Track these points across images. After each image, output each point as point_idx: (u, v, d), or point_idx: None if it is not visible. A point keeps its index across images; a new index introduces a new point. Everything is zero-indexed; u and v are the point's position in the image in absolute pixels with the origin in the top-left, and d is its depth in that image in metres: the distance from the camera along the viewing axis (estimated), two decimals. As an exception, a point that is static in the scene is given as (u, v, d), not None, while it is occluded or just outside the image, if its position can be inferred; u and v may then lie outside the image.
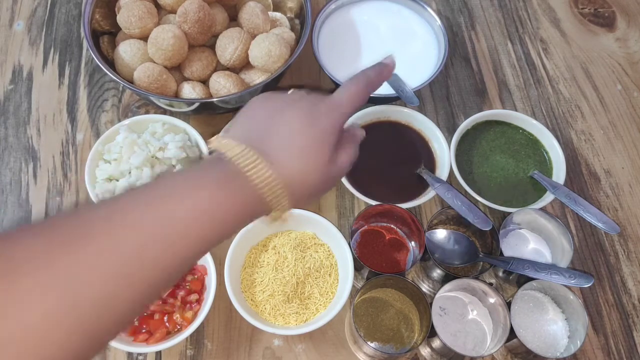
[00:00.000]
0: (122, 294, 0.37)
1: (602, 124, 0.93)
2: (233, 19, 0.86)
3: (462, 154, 0.84)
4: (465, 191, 0.79)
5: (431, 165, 0.84)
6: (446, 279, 0.71)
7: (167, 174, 0.44)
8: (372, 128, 0.87)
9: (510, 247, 0.77)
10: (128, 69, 0.79)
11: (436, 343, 0.67)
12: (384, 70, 0.56)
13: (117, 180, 0.76)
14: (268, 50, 0.77)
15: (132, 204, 0.39)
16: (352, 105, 0.51)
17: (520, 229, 0.78)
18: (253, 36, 0.80)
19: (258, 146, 0.43)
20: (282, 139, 0.45)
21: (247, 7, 0.82)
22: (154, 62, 0.78)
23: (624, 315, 0.77)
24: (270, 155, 0.43)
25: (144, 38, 0.79)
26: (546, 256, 0.76)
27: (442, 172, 0.81)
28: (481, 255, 0.73)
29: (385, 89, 0.84)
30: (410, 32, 0.92)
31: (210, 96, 0.79)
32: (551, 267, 0.70)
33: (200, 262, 0.73)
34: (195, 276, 0.73)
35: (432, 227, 0.76)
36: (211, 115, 0.88)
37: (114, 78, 0.76)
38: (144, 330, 0.69)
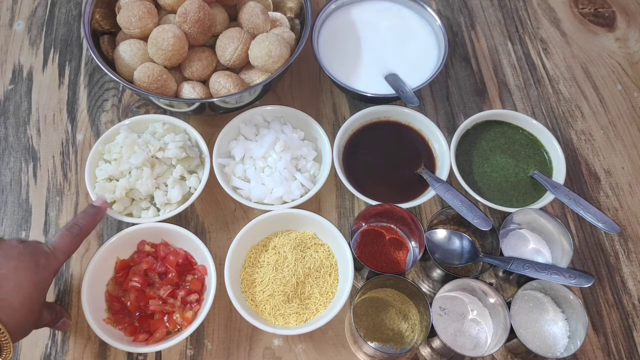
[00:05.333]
0: None
1: (602, 124, 0.93)
2: (233, 19, 0.86)
3: (462, 154, 0.84)
4: (465, 191, 0.79)
5: (431, 165, 0.84)
6: (446, 279, 0.71)
7: None
8: (372, 128, 0.87)
9: (510, 247, 0.77)
10: (128, 69, 0.79)
11: (436, 343, 0.67)
12: (97, 213, 0.66)
13: (117, 180, 0.76)
14: (268, 50, 0.77)
15: None
16: (66, 254, 0.61)
17: (520, 229, 0.78)
18: (253, 36, 0.80)
19: None
20: (7, 289, 0.52)
21: (247, 7, 0.82)
22: (154, 62, 0.78)
23: (624, 315, 0.77)
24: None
25: (144, 38, 0.79)
26: (546, 256, 0.76)
27: (442, 172, 0.81)
28: (481, 255, 0.73)
29: (385, 89, 0.85)
30: (410, 32, 0.92)
31: (210, 96, 0.79)
32: (551, 267, 0.70)
33: (200, 262, 0.73)
34: (196, 276, 0.73)
35: (432, 227, 0.76)
36: (211, 115, 0.88)
37: (114, 78, 0.76)
38: (144, 331, 0.69)
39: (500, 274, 0.75)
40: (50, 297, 0.75)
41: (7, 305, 0.52)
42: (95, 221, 0.67)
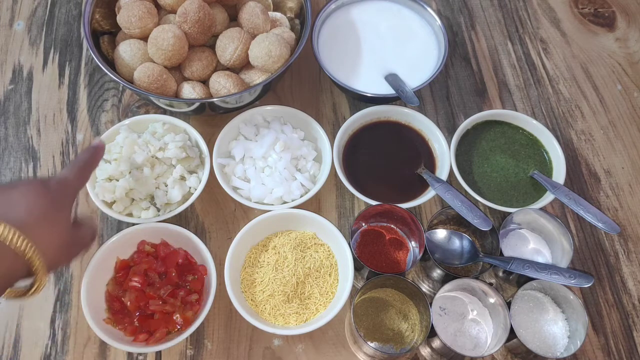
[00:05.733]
0: None
1: (602, 124, 0.93)
2: (233, 19, 0.86)
3: (462, 154, 0.84)
4: (465, 191, 0.79)
5: (431, 165, 0.84)
6: (446, 279, 0.71)
7: None
8: (372, 128, 0.87)
9: (510, 247, 0.77)
10: (128, 69, 0.79)
11: (436, 343, 0.67)
12: (96, 152, 0.65)
13: (117, 180, 0.76)
14: (268, 50, 0.77)
15: None
16: (78, 179, 0.60)
17: (520, 229, 0.78)
18: (253, 36, 0.80)
19: (0, 216, 0.49)
20: (21, 207, 0.51)
21: (247, 7, 0.82)
22: (154, 62, 0.78)
23: (624, 315, 0.77)
24: (15, 222, 0.49)
25: (144, 38, 0.79)
26: (546, 256, 0.76)
27: (442, 172, 0.81)
28: (481, 255, 0.73)
29: (385, 89, 0.85)
30: (410, 32, 0.92)
31: (210, 96, 0.79)
32: (551, 267, 0.70)
33: (200, 262, 0.73)
34: (195, 276, 0.73)
35: (432, 227, 0.76)
36: (211, 115, 0.88)
37: (114, 78, 0.76)
38: (144, 330, 0.69)
39: (500, 274, 0.75)
40: (51, 296, 0.75)
41: (27, 224, 0.50)
42: (96, 157, 0.65)
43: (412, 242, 0.76)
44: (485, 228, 0.72)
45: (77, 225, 0.58)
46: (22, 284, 0.52)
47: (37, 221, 0.51)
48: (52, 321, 0.73)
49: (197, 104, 0.78)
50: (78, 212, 0.81)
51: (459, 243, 0.76)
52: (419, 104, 0.81)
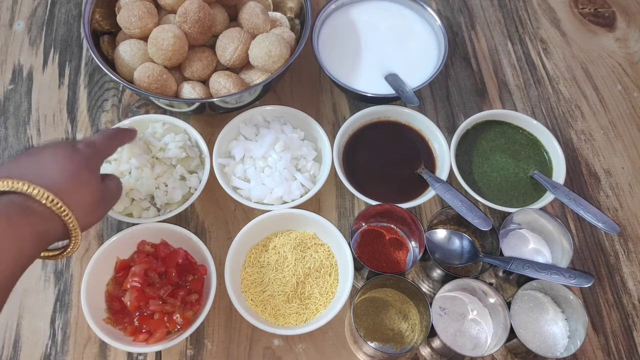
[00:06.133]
0: None
1: (602, 124, 0.93)
2: (233, 19, 0.86)
3: (462, 154, 0.84)
4: (465, 191, 0.79)
5: (431, 165, 0.84)
6: (446, 279, 0.71)
7: None
8: (372, 128, 0.87)
9: (510, 247, 0.77)
10: (128, 69, 0.79)
11: (436, 343, 0.67)
12: (128, 133, 0.69)
13: (117, 180, 0.76)
14: (268, 50, 0.77)
15: None
16: (106, 145, 0.63)
17: (520, 229, 0.78)
18: (253, 36, 0.80)
19: (32, 178, 0.51)
20: (52, 169, 0.53)
21: (247, 7, 0.82)
22: (154, 62, 0.78)
23: (624, 315, 0.77)
24: (47, 184, 0.51)
25: (144, 38, 0.79)
26: (546, 256, 0.76)
27: (442, 172, 0.81)
28: (481, 255, 0.73)
29: (385, 89, 0.85)
30: (410, 32, 0.92)
31: (210, 96, 0.79)
32: (551, 267, 0.70)
33: (200, 262, 0.73)
34: (195, 276, 0.73)
35: (432, 227, 0.76)
36: (211, 115, 0.88)
37: (114, 78, 0.76)
38: (144, 330, 0.69)
39: (500, 274, 0.75)
40: (51, 296, 0.75)
41: (53, 182, 0.52)
42: (128, 135, 0.69)
43: (412, 242, 0.76)
44: (485, 228, 0.72)
45: (103, 180, 0.60)
46: (57, 244, 0.54)
47: (69, 182, 0.53)
48: (52, 321, 0.73)
49: (197, 104, 0.78)
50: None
51: (459, 243, 0.76)
52: (419, 104, 0.81)
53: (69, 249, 0.55)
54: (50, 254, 0.56)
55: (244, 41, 0.79)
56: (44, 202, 0.50)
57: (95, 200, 0.57)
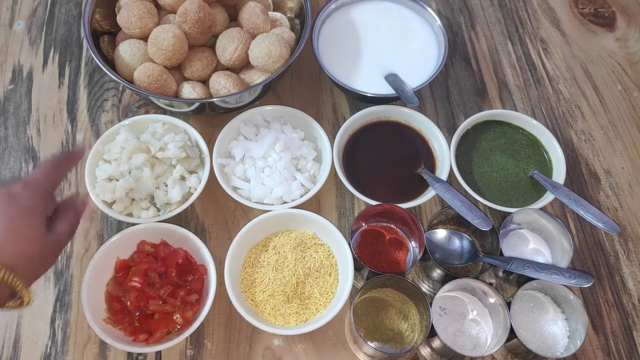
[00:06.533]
0: None
1: (602, 124, 0.93)
2: (233, 19, 0.86)
3: (462, 154, 0.84)
4: (465, 191, 0.79)
5: (431, 165, 0.84)
6: (446, 279, 0.71)
7: None
8: (372, 128, 0.87)
9: (510, 247, 0.77)
10: (128, 69, 0.79)
11: (436, 343, 0.67)
12: (73, 156, 0.61)
13: (117, 180, 0.76)
14: (268, 50, 0.77)
15: None
16: (47, 181, 0.55)
17: (520, 229, 0.78)
18: (253, 36, 0.80)
19: None
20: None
21: (247, 7, 0.82)
22: (154, 62, 0.78)
23: (624, 315, 0.77)
24: None
25: (144, 38, 0.79)
26: (546, 256, 0.76)
27: (442, 172, 0.81)
28: (481, 255, 0.73)
29: (385, 89, 0.85)
30: (410, 32, 0.92)
31: (210, 96, 0.79)
32: (551, 267, 0.70)
33: (200, 262, 0.73)
34: (195, 276, 0.73)
35: (432, 227, 0.76)
36: (211, 115, 0.88)
37: (114, 78, 0.76)
38: (144, 330, 0.69)
39: (500, 274, 0.75)
40: (51, 297, 0.75)
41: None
42: (72, 159, 0.61)
43: (412, 242, 0.76)
44: (485, 228, 0.72)
45: (53, 223, 0.55)
46: (12, 300, 0.50)
47: (6, 237, 0.48)
48: (52, 321, 0.73)
49: (197, 104, 0.78)
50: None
51: (459, 243, 0.76)
52: (419, 104, 0.81)
53: (25, 302, 0.50)
54: (11, 304, 0.50)
55: (244, 41, 0.79)
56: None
57: (39, 251, 0.51)
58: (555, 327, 0.70)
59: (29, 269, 0.50)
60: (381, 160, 0.84)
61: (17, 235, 0.49)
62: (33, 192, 0.52)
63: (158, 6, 0.82)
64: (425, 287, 0.77)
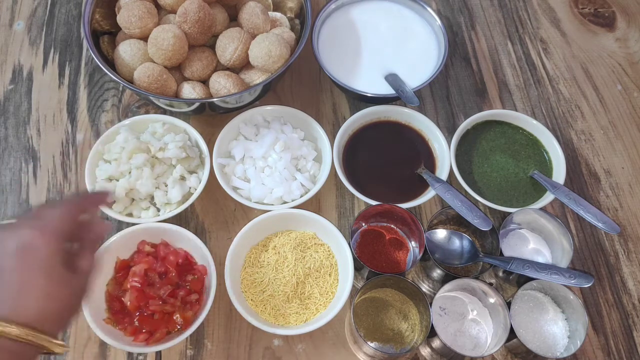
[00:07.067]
0: None
1: (602, 124, 0.93)
2: (233, 19, 0.86)
3: (462, 154, 0.84)
4: (465, 191, 0.79)
5: (431, 165, 0.84)
6: (446, 279, 0.71)
7: None
8: (372, 128, 0.87)
9: (510, 247, 0.77)
10: (128, 69, 0.79)
11: (436, 343, 0.67)
12: (96, 198, 0.57)
13: (117, 180, 0.76)
14: (268, 50, 0.77)
15: None
16: (68, 223, 0.50)
17: (520, 229, 0.78)
18: (253, 36, 0.80)
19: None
20: (5, 292, 0.45)
21: (247, 7, 0.82)
22: (154, 62, 0.78)
23: (624, 315, 0.77)
24: (4, 313, 0.43)
25: (144, 38, 0.79)
26: (546, 256, 0.76)
27: (442, 172, 0.81)
28: (481, 255, 0.73)
29: (385, 89, 0.85)
30: (410, 32, 0.92)
31: (210, 96, 0.79)
32: (551, 267, 0.70)
33: (200, 262, 0.73)
34: (195, 276, 0.73)
35: (432, 227, 0.76)
36: (211, 115, 0.88)
37: (114, 78, 0.76)
38: (144, 330, 0.69)
39: (500, 274, 0.75)
40: (50, 297, 0.75)
41: (20, 307, 0.45)
42: (95, 201, 0.58)
43: (412, 242, 0.76)
44: (485, 228, 0.72)
45: (75, 260, 0.50)
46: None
47: (24, 295, 0.45)
48: (52, 321, 0.73)
49: (197, 104, 0.78)
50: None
51: (459, 243, 0.76)
52: (419, 104, 0.81)
53: (56, 352, 0.47)
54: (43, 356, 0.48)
55: (244, 41, 0.79)
56: (17, 340, 0.43)
57: (62, 302, 0.47)
58: (555, 327, 0.70)
59: (56, 321, 0.47)
60: (381, 160, 0.84)
61: (36, 292, 0.45)
62: (50, 239, 0.48)
63: (158, 6, 0.82)
64: (425, 287, 0.77)
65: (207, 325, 0.73)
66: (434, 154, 0.85)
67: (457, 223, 0.79)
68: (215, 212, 0.82)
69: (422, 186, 0.81)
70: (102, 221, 0.56)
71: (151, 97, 0.76)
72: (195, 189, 0.77)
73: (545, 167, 0.84)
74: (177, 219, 0.77)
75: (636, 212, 0.85)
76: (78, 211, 0.53)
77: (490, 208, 0.78)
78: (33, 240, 0.47)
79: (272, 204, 0.78)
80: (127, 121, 0.81)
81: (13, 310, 0.44)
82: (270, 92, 0.91)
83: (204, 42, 0.80)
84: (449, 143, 0.83)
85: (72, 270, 0.49)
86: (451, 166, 0.80)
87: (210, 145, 0.81)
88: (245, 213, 0.81)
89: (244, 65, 0.82)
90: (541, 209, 0.76)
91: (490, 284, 0.69)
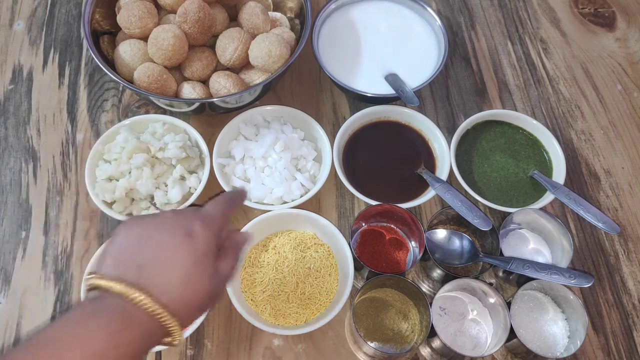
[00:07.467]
0: None
1: (602, 124, 0.93)
2: (233, 19, 0.86)
3: (462, 154, 0.84)
4: (465, 191, 0.79)
5: (431, 165, 0.84)
6: (446, 279, 0.71)
7: (55, 322, 0.42)
8: (372, 128, 0.87)
9: (510, 247, 0.77)
10: (128, 69, 0.79)
11: (436, 343, 0.67)
12: (242, 194, 0.59)
13: (117, 180, 0.76)
14: (268, 50, 0.77)
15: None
16: (225, 218, 0.52)
17: (520, 229, 0.78)
18: (253, 36, 0.80)
19: (136, 281, 0.44)
20: (162, 268, 0.45)
21: (247, 7, 0.82)
22: (154, 62, 0.78)
23: (624, 315, 0.77)
24: (151, 288, 0.44)
25: (144, 38, 0.79)
26: (546, 256, 0.76)
27: (442, 172, 0.81)
28: (481, 255, 0.73)
29: (385, 89, 0.85)
30: (410, 32, 0.92)
31: (210, 96, 0.79)
32: (551, 267, 0.70)
33: (200, 262, 0.73)
34: (196, 276, 0.73)
35: (432, 227, 0.76)
36: (211, 115, 0.88)
37: (114, 78, 0.76)
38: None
39: (500, 274, 0.75)
40: (51, 297, 0.75)
41: (165, 287, 0.45)
42: (241, 198, 0.59)
43: (412, 242, 0.76)
44: (485, 228, 0.72)
45: (217, 261, 0.50)
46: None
47: (180, 284, 0.46)
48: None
49: (197, 104, 0.78)
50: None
51: (459, 243, 0.76)
52: (419, 104, 0.81)
53: (170, 342, 0.47)
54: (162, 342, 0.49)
55: (244, 41, 0.79)
56: (157, 319, 0.44)
57: (202, 302, 0.48)
58: (555, 327, 0.70)
59: (186, 315, 0.47)
60: (381, 160, 0.84)
61: (188, 287, 0.46)
62: (209, 233, 0.49)
63: (158, 6, 0.82)
64: (425, 287, 0.77)
65: (207, 325, 0.73)
66: (434, 154, 0.85)
67: (457, 223, 0.79)
68: (215, 212, 0.82)
69: (422, 186, 0.81)
70: (239, 230, 0.57)
71: (151, 97, 0.76)
72: (195, 189, 0.77)
73: (545, 167, 0.84)
74: (177, 219, 0.77)
75: (636, 212, 0.85)
76: (231, 213, 0.54)
77: (490, 208, 0.78)
78: (195, 230, 0.48)
79: (272, 204, 0.78)
80: (127, 121, 0.81)
81: (157, 287, 0.44)
82: (270, 92, 0.91)
83: (204, 42, 0.80)
84: (449, 143, 0.83)
85: (216, 271, 0.49)
86: (451, 166, 0.80)
87: (210, 145, 0.81)
88: (245, 213, 0.81)
89: (244, 65, 0.82)
90: (541, 209, 0.77)
91: (490, 284, 0.69)
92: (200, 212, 0.51)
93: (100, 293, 0.44)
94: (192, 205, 0.76)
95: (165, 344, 0.47)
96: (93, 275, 0.45)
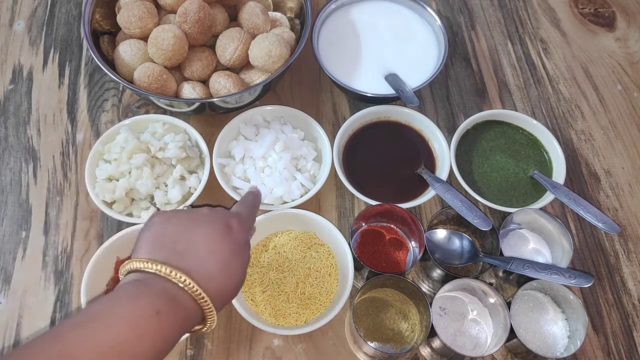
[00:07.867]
0: None
1: (602, 124, 0.93)
2: (233, 19, 0.86)
3: (462, 154, 0.84)
4: (465, 191, 0.79)
5: (431, 165, 0.84)
6: (446, 279, 0.71)
7: (97, 301, 0.44)
8: (372, 128, 0.87)
9: (510, 247, 0.77)
10: (128, 69, 0.79)
11: (436, 343, 0.67)
12: (258, 195, 0.65)
13: (117, 180, 0.76)
14: (268, 50, 0.77)
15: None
16: (253, 218, 0.59)
17: (520, 229, 0.78)
18: (253, 36, 0.80)
19: (180, 265, 0.46)
20: (202, 255, 0.48)
21: (247, 7, 0.82)
22: (154, 62, 0.78)
23: (624, 315, 0.77)
24: (193, 273, 0.47)
25: (144, 38, 0.79)
26: (546, 256, 0.76)
27: (442, 172, 0.81)
28: (481, 255, 0.73)
29: (385, 89, 0.85)
30: (410, 32, 0.92)
31: (210, 96, 0.79)
32: (551, 267, 0.70)
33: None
34: (196, 276, 0.73)
35: (432, 227, 0.76)
36: (211, 115, 0.88)
37: (114, 78, 0.76)
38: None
39: (500, 274, 0.75)
40: (51, 296, 0.75)
41: (205, 272, 0.47)
42: (259, 200, 0.64)
43: (412, 242, 0.76)
44: (485, 228, 0.72)
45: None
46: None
47: (218, 270, 0.48)
48: (52, 321, 0.73)
49: (197, 104, 0.78)
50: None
51: (459, 243, 0.76)
52: (419, 104, 0.81)
53: (203, 329, 0.50)
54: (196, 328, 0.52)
55: (244, 41, 0.79)
56: (199, 302, 0.46)
57: (234, 290, 0.52)
58: (555, 327, 0.70)
59: (222, 304, 0.50)
60: (381, 160, 0.84)
61: (225, 275, 0.49)
62: (244, 229, 0.54)
63: (158, 6, 0.82)
64: (425, 287, 0.77)
65: (207, 325, 0.73)
66: (434, 154, 0.85)
67: (457, 223, 0.79)
68: (215, 212, 0.82)
69: (422, 186, 0.81)
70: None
71: (151, 97, 0.76)
72: (195, 189, 0.77)
73: (545, 167, 0.84)
74: (177, 219, 0.77)
75: (636, 212, 0.85)
76: (256, 213, 0.61)
77: (490, 208, 0.78)
78: (233, 225, 0.52)
79: (272, 204, 0.78)
80: (127, 121, 0.81)
81: (198, 272, 0.47)
82: (270, 92, 0.91)
83: (204, 42, 0.80)
84: (449, 143, 0.83)
85: (247, 262, 0.54)
86: (451, 166, 0.80)
87: (210, 145, 0.81)
88: (245, 213, 0.81)
89: (244, 65, 0.82)
90: (541, 209, 0.77)
91: (490, 284, 0.69)
92: (232, 211, 0.57)
93: (140, 276, 0.46)
94: (192, 205, 0.76)
95: (193, 332, 0.50)
96: (135, 259, 0.47)
